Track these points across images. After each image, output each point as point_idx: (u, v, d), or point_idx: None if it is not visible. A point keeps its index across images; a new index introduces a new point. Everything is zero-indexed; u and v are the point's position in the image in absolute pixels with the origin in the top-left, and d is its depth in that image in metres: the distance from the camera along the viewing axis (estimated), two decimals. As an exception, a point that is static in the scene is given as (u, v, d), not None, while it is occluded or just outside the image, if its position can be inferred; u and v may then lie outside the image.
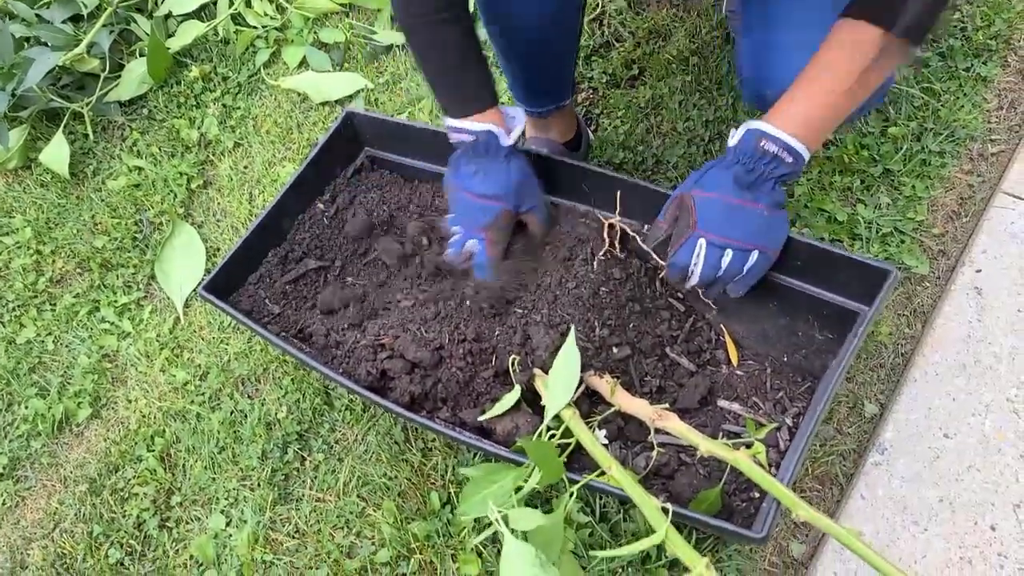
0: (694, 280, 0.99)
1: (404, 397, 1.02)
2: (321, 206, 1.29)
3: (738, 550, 1.05)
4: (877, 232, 1.26)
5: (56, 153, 1.65)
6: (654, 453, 1.01)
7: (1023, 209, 1.23)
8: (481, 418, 1.00)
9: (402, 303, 1.13)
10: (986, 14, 1.43)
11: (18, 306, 1.54)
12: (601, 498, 1.10)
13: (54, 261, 1.58)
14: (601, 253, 1.09)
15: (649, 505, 0.82)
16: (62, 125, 1.70)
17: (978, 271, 1.19)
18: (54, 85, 1.73)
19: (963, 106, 1.36)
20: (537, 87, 1.23)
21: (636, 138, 1.45)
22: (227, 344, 1.41)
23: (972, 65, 1.39)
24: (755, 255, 0.96)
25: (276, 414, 1.31)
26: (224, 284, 1.19)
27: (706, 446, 0.85)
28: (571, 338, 0.96)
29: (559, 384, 0.96)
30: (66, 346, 1.48)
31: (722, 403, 1.05)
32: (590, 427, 0.97)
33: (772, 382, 1.07)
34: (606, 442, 1.00)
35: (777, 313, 1.08)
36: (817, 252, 0.99)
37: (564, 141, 1.36)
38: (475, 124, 1.04)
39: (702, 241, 0.96)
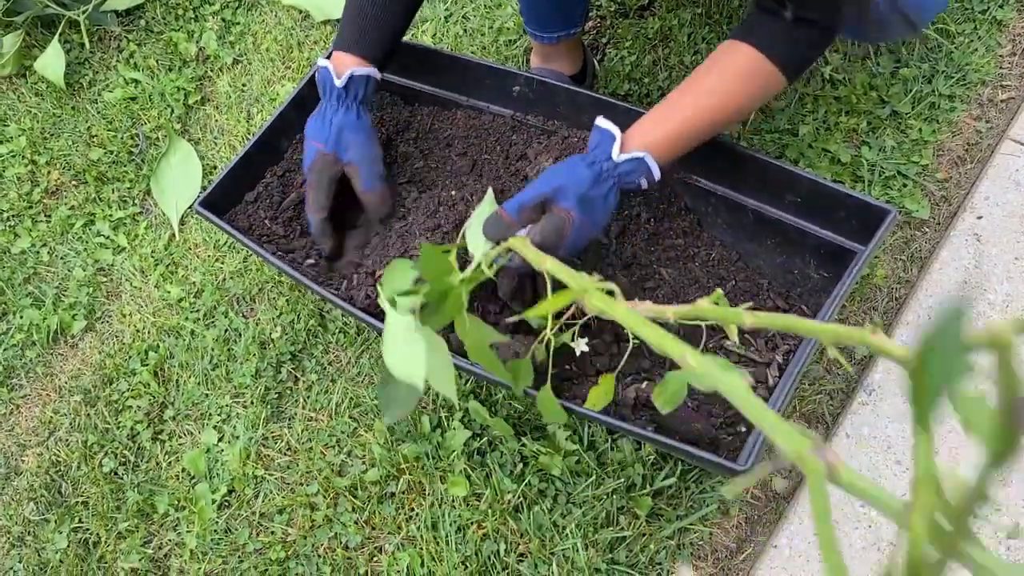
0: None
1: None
2: None
3: (721, 481, 1.07)
4: (880, 175, 1.25)
5: (52, 62, 1.62)
6: (644, 384, 1.03)
7: (1029, 157, 1.22)
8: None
9: (395, 226, 1.13)
10: (1008, -45, 1.39)
11: (13, 216, 1.53)
12: (590, 427, 1.11)
13: (49, 172, 1.57)
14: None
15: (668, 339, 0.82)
16: (57, 33, 1.66)
17: (979, 218, 1.18)
18: (49, -9, 1.68)
19: (976, 49, 1.33)
20: (551, 6, 1.19)
21: (642, 70, 1.42)
22: (222, 263, 1.41)
23: (988, 7, 1.36)
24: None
25: (270, 334, 1.31)
26: (221, 201, 1.18)
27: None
28: (488, 195, 0.95)
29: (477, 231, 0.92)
30: (61, 258, 1.48)
31: (725, 342, 1.06)
32: (571, 336, 0.96)
33: (765, 319, 1.07)
34: (586, 349, 1.00)
35: (773, 249, 1.08)
36: (817, 188, 0.99)
37: (571, 74, 1.34)
38: (323, 62, 1.05)
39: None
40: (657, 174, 0.91)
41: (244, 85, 1.60)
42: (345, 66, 1.04)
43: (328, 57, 1.07)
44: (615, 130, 0.90)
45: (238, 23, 1.67)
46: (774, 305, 1.08)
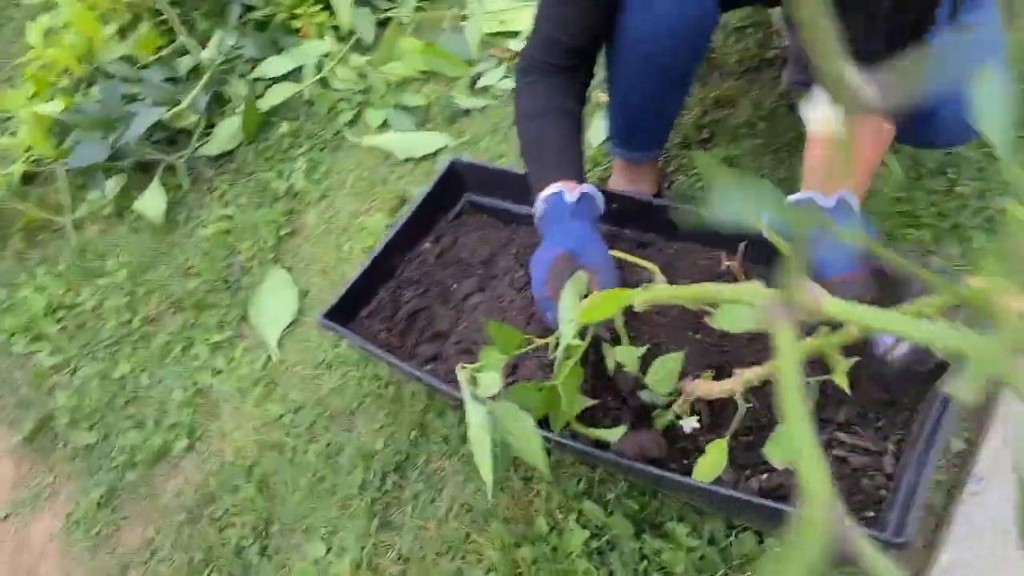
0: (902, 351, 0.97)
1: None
2: (428, 245, 1.36)
3: (850, 573, 1.08)
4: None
5: (152, 201, 1.73)
6: (764, 476, 1.07)
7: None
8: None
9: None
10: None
11: (113, 343, 1.60)
12: (714, 520, 1.14)
13: (148, 302, 1.65)
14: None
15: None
16: (157, 175, 1.79)
17: (1052, 315, 1.26)
18: (147, 140, 1.82)
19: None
20: (641, 123, 1.30)
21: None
22: (320, 380, 1.46)
23: (1026, 132, 1.50)
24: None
25: (373, 446, 1.35)
26: (340, 316, 1.26)
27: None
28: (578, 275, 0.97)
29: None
30: (160, 381, 1.53)
31: (839, 434, 1.10)
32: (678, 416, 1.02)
33: (869, 411, 1.13)
34: (697, 426, 1.04)
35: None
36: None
37: (652, 193, 1.45)
38: (549, 190, 1.11)
39: None
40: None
41: (331, 218, 1.72)
42: (574, 190, 1.09)
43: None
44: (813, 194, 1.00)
45: (324, 162, 1.81)
46: (876, 397, 1.14)
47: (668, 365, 1.01)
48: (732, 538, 1.12)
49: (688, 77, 1.23)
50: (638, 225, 1.30)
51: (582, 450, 1.09)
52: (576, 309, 0.92)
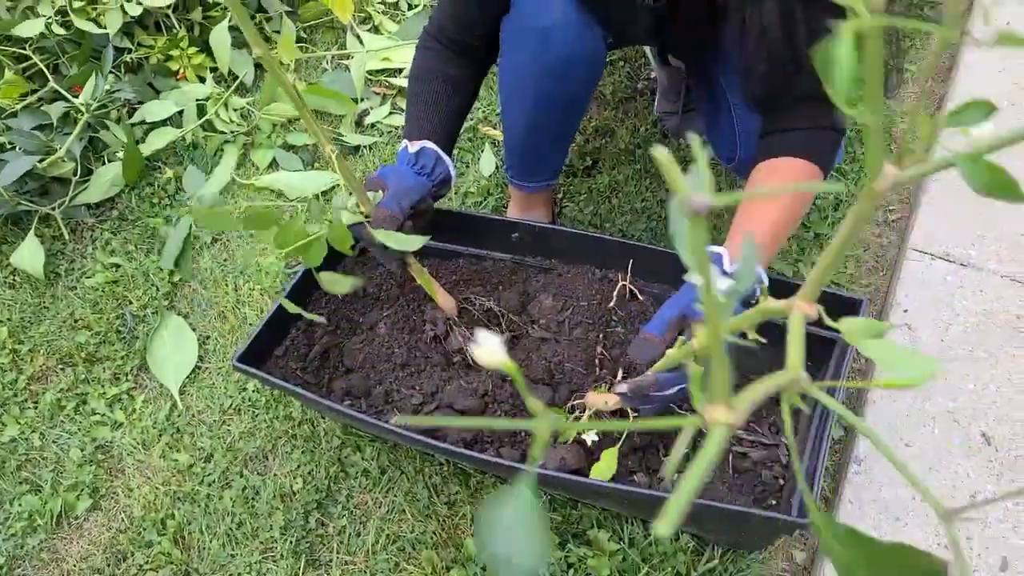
0: (667, 393, 0.96)
1: (458, 443, 1.12)
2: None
3: (756, 559, 1.18)
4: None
5: (29, 254, 1.66)
6: (675, 475, 1.15)
7: (928, 261, 1.49)
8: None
9: (434, 358, 1.24)
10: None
11: (-3, 405, 1.51)
12: (630, 522, 1.21)
13: (33, 359, 1.57)
14: (611, 304, 1.25)
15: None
16: (32, 228, 1.71)
17: (905, 310, 1.43)
18: (17, 191, 1.74)
19: (866, 183, 1.64)
20: (537, 155, 1.38)
21: (601, 216, 1.64)
22: (229, 425, 1.44)
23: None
24: (675, 389, 0.97)
25: (291, 486, 1.35)
26: (253, 358, 1.25)
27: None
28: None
29: None
30: (54, 441, 1.46)
31: (738, 432, 1.20)
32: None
33: (763, 409, 1.24)
34: (596, 439, 1.13)
35: (759, 348, 1.26)
36: (792, 288, 1.19)
37: (547, 222, 1.53)
38: (402, 143, 1.23)
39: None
40: (765, 280, 1.01)
41: (225, 260, 1.70)
42: (416, 144, 1.20)
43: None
44: (720, 248, 1.02)
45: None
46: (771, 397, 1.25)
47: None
48: (650, 538, 1.20)
49: (583, 110, 1.32)
50: (539, 252, 1.38)
51: (507, 465, 1.14)
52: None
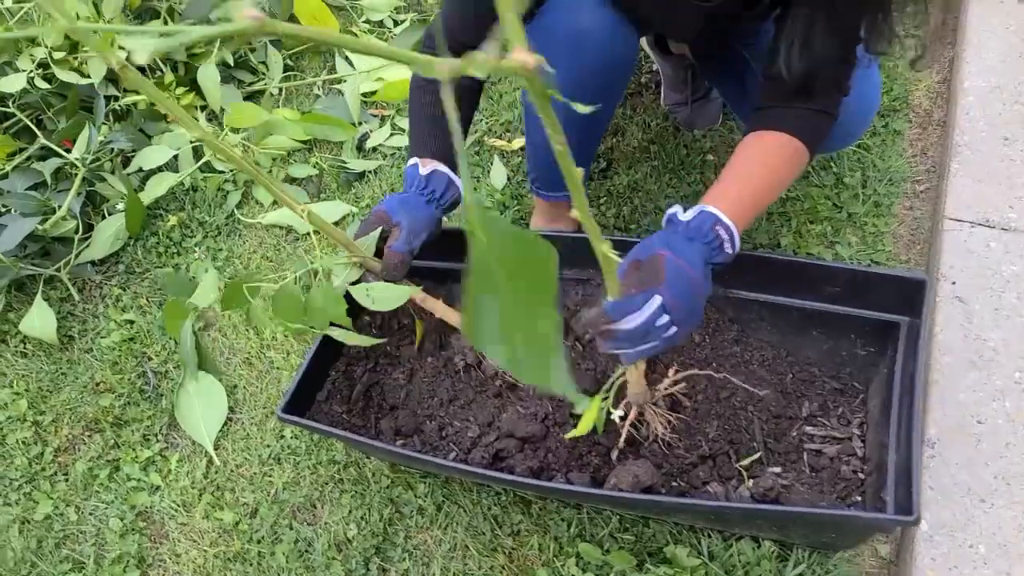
0: (625, 326, 0.92)
1: (526, 473, 1.07)
2: (367, 317, 1.33)
3: (843, 557, 1.14)
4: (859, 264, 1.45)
5: (39, 320, 1.59)
6: (749, 482, 1.11)
7: (968, 230, 1.46)
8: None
9: (480, 387, 1.20)
10: (885, 81, 1.71)
11: (25, 482, 1.45)
12: (706, 534, 1.17)
13: (57, 429, 1.51)
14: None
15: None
16: (38, 291, 1.65)
17: (953, 283, 1.39)
18: (18, 256, 1.67)
19: (890, 155, 1.60)
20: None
21: (625, 218, 1.59)
22: (271, 476, 1.39)
23: (888, 123, 1.65)
24: (673, 330, 0.94)
25: (345, 533, 1.29)
26: (298, 406, 1.20)
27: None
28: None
29: None
30: (91, 513, 1.40)
31: (807, 428, 1.16)
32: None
33: (829, 401, 1.20)
34: (622, 413, 1.08)
35: (819, 338, 1.22)
36: (855, 275, 1.15)
37: (574, 230, 1.48)
38: (412, 161, 1.19)
39: (657, 299, 0.91)
40: (735, 234, 0.98)
41: (243, 305, 1.64)
42: (428, 165, 1.16)
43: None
44: (675, 208, 1.01)
45: (222, 249, 1.73)
46: (830, 388, 1.21)
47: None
48: (731, 549, 1.16)
49: (613, 113, 1.28)
50: (574, 263, 1.33)
51: (581, 492, 1.09)
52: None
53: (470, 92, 1.26)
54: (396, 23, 2.13)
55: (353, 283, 1.13)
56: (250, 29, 0.44)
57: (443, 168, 1.18)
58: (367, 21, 2.13)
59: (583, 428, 1.03)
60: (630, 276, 0.97)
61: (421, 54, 0.49)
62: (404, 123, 1.88)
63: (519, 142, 1.77)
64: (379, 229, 1.13)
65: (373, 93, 1.95)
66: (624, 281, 0.96)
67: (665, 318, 0.93)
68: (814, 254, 1.46)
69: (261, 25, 0.44)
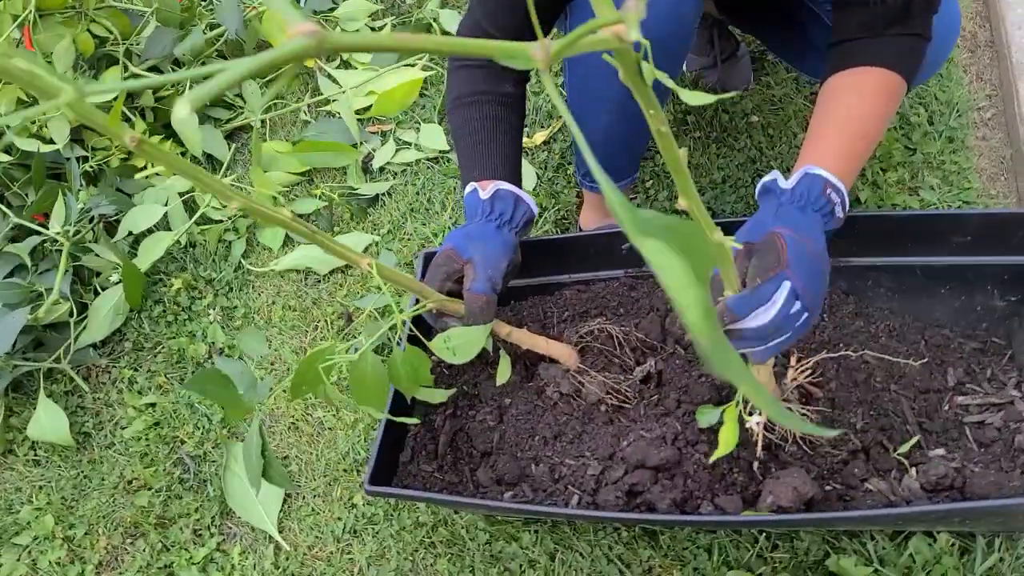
0: (754, 323, 0.80)
1: (671, 508, 0.92)
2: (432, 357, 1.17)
3: (1031, 537, 1.01)
4: (951, 208, 1.32)
5: (48, 422, 1.41)
6: (913, 471, 0.97)
7: (1054, 150, 1.34)
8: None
9: (586, 417, 1.05)
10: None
11: (71, 609, 1.27)
12: (871, 538, 1.03)
13: (93, 542, 1.32)
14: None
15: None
16: (39, 389, 1.46)
17: (1059, 210, 1.26)
18: (9, 354, 1.48)
19: (948, 86, 1.48)
20: (616, 154, 1.18)
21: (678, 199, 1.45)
22: (352, 552, 1.22)
23: (936, 50, 1.53)
24: (805, 317, 0.81)
25: (451, 604, 1.14)
26: (382, 476, 1.04)
27: None
28: None
29: None
30: (153, 631, 1.22)
31: (958, 399, 1.03)
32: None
33: (976, 365, 1.06)
34: (760, 420, 0.93)
35: (949, 296, 1.09)
36: (988, 219, 1.01)
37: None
38: (470, 187, 1.05)
39: (787, 284, 0.79)
40: (845, 194, 0.88)
41: (273, 363, 1.47)
42: (488, 186, 1.03)
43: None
44: (775, 174, 0.90)
45: (237, 306, 1.55)
46: (970, 349, 1.08)
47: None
48: (903, 550, 1.02)
49: (664, 97, 1.14)
50: (629, 263, 1.19)
51: (735, 521, 0.95)
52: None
53: (522, 97, 1.13)
54: (373, 30, 1.96)
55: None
56: (310, 48, 0.34)
57: (506, 186, 1.03)
58: (343, 31, 1.95)
59: (727, 445, 0.88)
60: (742, 263, 0.85)
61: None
62: (408, 136, 1.72)
63: (540, 136, 1.62)
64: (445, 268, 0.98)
65: (367, 109, 1.78)
66: (738, 270, 0.83)
67: (798, 305, 0.81)
68: (897, 204, 1.33)
69: (320, 41, 0.34)
